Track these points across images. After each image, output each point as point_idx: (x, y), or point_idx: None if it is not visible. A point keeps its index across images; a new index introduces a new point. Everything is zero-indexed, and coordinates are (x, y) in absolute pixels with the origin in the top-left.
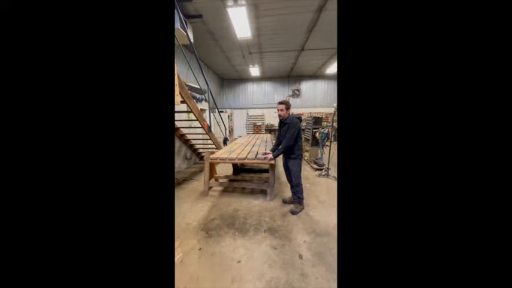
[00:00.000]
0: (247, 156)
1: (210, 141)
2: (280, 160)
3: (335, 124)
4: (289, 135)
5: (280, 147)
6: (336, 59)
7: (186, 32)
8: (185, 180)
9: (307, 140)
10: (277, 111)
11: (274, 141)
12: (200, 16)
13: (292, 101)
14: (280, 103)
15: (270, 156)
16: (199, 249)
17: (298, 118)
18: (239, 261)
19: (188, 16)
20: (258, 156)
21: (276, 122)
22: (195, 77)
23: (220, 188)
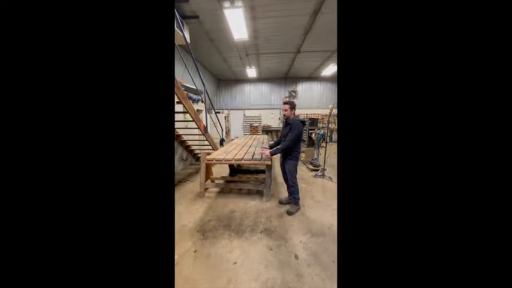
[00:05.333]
0: (244, 157)
1: (206, 142)
2: (276, 161)
3: (330, 125)
4: (290, 137)
5: (279, 146)
6: (331, 62)
7: (182, 32)
8: (181, 181)
9: (303, 141)
10: (282, 110)
11: (270, 143)
12: (197, 17)
13: None
14: (285, 103)
15: (267, 153)
16: (195, 251)
17: (302, 122)
18: (235, 263)
19: (184, 17)
20: (254, 156)
21: (272, 123)
22: (192, 78)
23: (216, 189)
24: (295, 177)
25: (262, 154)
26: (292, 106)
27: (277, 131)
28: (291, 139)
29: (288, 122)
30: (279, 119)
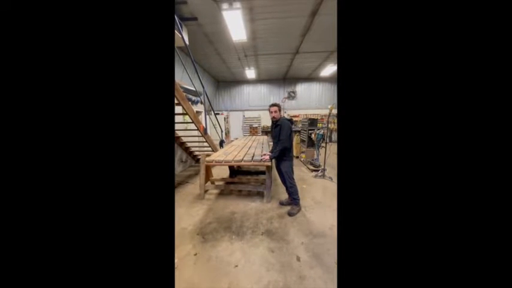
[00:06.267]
0: (244, 158)
1: (206, 144)
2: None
3: (330, 125)
4: (284, 137)
5: (276, 148)
6: (329, 62)
7: (181, 34)
8: (180, 183)
9: (303, 141)
10: (270, 112)
11: (270, 143)
12: (195, 19)
13: (287, 103)
14: (273, 105)
15: (267, 157)
16: (195, 254)
17: (290, 120)
18: (236, 266)
19: (183, 18)
20: (254, 158)
21: None
22: (190, 79)
23: (216, 191)
24: (292, 178)
25: (262, 159)
26: (280, 108)
27: None
28: (285, 138)
29: (276, 124)
30: None
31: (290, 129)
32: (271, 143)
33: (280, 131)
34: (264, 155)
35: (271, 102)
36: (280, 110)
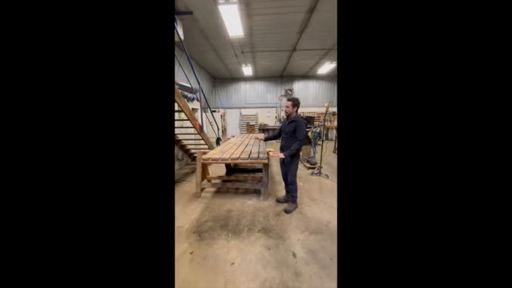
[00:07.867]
0: (240, 156)
1: (202, 142)
2: (273, 160)
3: (327, 123)
4: (300, 136)
5: (292, 147)
6: (327, 60)
7: (175, 29)
8: (177, 181)
9: None
10: (286, 106)
11: (265, 135)
12: (190, 13)
13: (284, 100)
14: (288, 99)
15: (281, 155)
16: (191, 253)
17: (306, 119)
18: (232, 264)
19: (178, 12)
20: (253, 156)
21: (269, 122)
22: (186, 76)
23: (213, 189)
24: (295, 176)
25: (273, 156)
26: (295, 104)
27: (274, 129)
28: (302, 138)
29: (292, 119)
30: (276, 117)
31: (305, 129)
32: (266, 135)
33: (296, 128)
34: (275, 154)
35: (269, 99)
36: (294, 106)
